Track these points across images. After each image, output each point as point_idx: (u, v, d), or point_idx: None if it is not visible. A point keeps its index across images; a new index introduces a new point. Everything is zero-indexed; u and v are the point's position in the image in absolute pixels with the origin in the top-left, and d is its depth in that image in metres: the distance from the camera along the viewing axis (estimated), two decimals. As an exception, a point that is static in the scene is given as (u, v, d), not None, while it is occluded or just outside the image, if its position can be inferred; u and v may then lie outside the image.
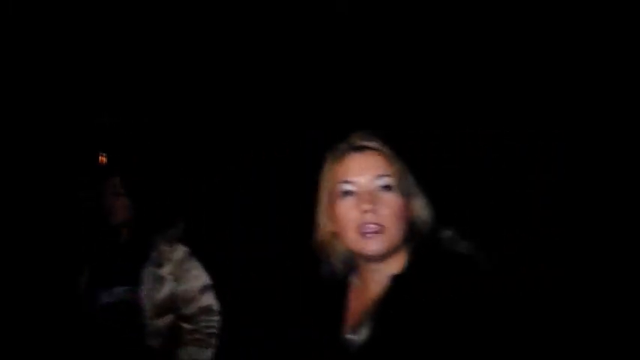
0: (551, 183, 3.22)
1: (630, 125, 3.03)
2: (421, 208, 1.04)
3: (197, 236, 2.10)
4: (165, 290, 1.95)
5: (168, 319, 1.95)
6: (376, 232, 0.98)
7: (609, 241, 2.94)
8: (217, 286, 2.01)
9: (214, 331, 1.96)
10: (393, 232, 0.99)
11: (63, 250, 1.97)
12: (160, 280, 1.95)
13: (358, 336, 0.98)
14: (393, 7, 3.26)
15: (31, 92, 3.20)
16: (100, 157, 2.80)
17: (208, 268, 2.02)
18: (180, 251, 1.99)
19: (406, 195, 1.02)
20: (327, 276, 1.12)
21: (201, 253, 2.04)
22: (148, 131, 3.52)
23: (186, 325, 1.96)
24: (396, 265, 1.02)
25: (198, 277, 1.99)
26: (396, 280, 0.99)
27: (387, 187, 1.00)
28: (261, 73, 3.55)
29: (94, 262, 2.05)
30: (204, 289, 1.98)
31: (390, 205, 0.99)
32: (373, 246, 0.99)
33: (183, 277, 1.97)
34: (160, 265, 1.95)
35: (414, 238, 1.03)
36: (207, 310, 1.97)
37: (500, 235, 3.06)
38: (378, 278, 1.03)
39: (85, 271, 2.05)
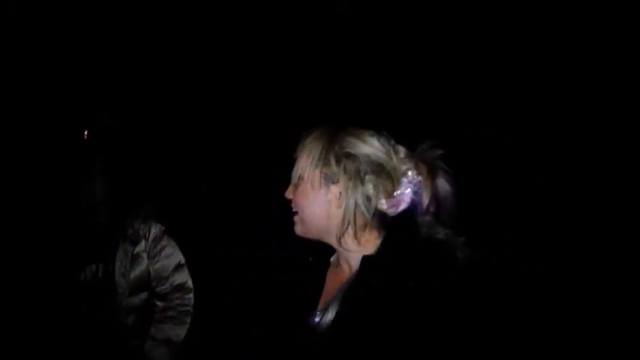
0: (551, 183, 3.22)
1: (630, 125, 3.03)
2: (363, 197, 0.98)
3: (172, 214, 2.10)
4: (140, 268, 1.95)
5: (142, 296, 1.96)
6: (298, 218, 1.04)
7: (609, 241, 2.94)
8: (191, 264, 2.01)
9: (188, 309, 1.96)
10: (307, 220, 1.03)
11: (63, 250, 1.97)
12: (134, 257, 1.95)
13: (325, 318, 0.96)
14: (392, 7, 3.26)
15: (31, 92, 3.20)
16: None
17: (183, 246, 2.02)
18: (155, 229, 1.99)
19: (338, 183, 0.99)
20: (315, 258, 1.14)
21: (175, 231, 2.04)
22: (148, 131, 3.52)
23: (160, 303, 1.97)
24: (369, 246, 1.00)
25: (172, 255, 1.99)
26: (366, 261, 0.97)
27: (301, 177, 1.02)
28: (261, 73, 3.55)
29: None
30: (178, 267, 1.99)
31: (303, 195, 1.02)
32: (296, 229, 1.06)
33: (157, 255, 1.97)
34: (134, 243, 1.96)
35: (389, 221, 1.01)
36: (181, 288, 1.97)
37: (501, 235, 3.06)
38: (348, 258, 1.02)
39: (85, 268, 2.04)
